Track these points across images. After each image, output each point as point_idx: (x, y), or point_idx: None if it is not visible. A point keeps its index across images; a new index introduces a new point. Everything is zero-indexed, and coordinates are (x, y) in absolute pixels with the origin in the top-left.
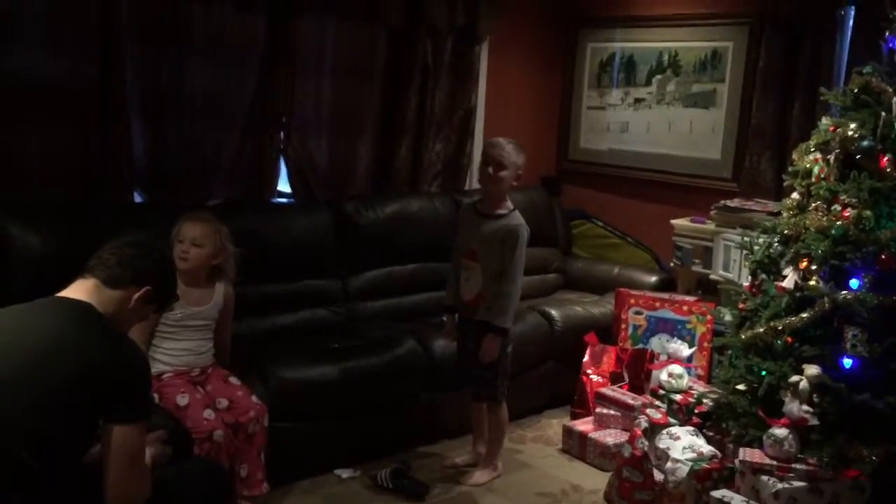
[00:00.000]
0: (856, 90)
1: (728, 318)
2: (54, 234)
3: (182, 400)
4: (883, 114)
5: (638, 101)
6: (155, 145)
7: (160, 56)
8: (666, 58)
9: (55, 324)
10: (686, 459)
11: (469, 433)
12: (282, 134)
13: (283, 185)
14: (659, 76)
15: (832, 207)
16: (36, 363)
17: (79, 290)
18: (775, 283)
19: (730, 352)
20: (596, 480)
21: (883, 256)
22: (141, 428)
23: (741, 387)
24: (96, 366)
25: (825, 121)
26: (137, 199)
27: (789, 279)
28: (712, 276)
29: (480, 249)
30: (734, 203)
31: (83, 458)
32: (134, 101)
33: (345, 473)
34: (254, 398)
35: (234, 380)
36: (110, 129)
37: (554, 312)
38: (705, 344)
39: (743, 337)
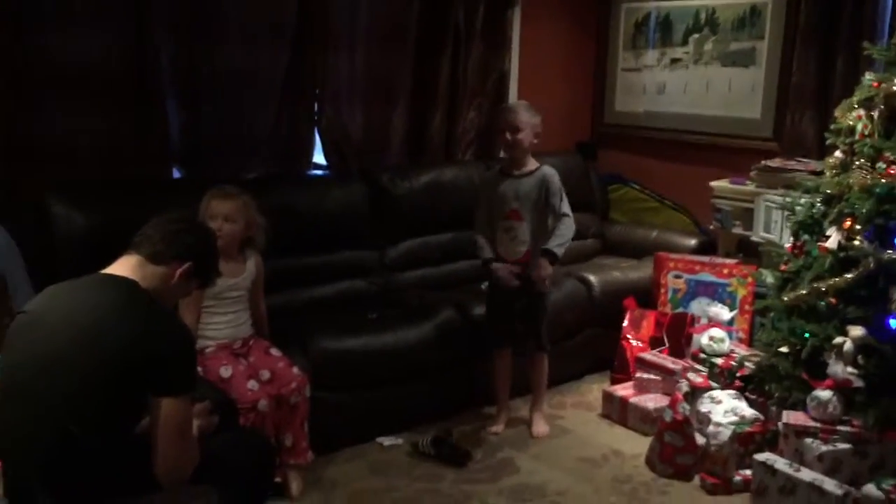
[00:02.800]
0: None
1: (770, 279)
2: (97, 211)
3: (226, 372)
4: None
5: (675, 61)
6: (191, 122)
7: (193, 33)
8: (703, 16)
9: (101, 300)
10: (728, 423)
11: (512, 397)
12: (315, 106)
13: (319, 157)
14: (696, 35)
15: (876, 165)
16: (84, 339)
17: (124, 267)
18: (818, 243)
19: (772, 314)
20: (637, 445)
21: None
22: (187, 400)
23: (784, 349)
24: (142, 341)
25: (868, 76)
26: (176, 174)
27: (833, 239)
28: (753, 238)
29: (523, 207)
30: (775, 163)
31: (133, 430)
32: (169, 78)
33: (387, 441)
34: (295, 369)
35: (275, 351)
36: (147, 106)
37: (592, 278)
38: (746, 307)
39: (785, 299)
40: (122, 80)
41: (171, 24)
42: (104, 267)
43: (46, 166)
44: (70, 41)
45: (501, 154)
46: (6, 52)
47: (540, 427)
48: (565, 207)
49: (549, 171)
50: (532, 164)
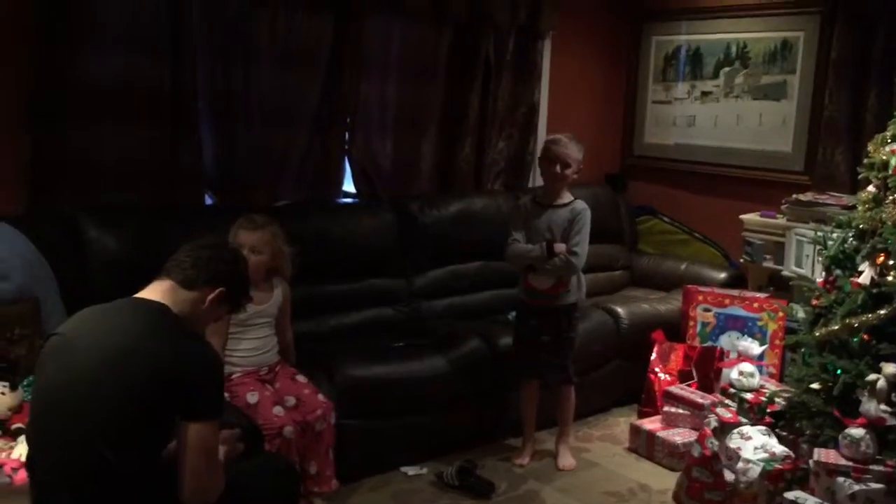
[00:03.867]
0: None
1: (801, 314)
2: (130, 236)
3: (252, 398)
4: None
5: (705, 94)
6: (224, 148)
7: (228, 60)
8: (734, 49)
9: (133, 324)
10: (758, 460)
11: (538, 429)
12: (346, 134)
13: (348, 185)
14: (727, 68)
15: None
16: (114, 362)
17: (155, 292)
18: (850, 278)
19: (803, 350)
20: (664, 480)
21: None
22: (215, 425)
23: (815, 385)
24: (171, 365)
25: None
26: (208, 201)
27: (865, 275)
28: (784, 273)
29: (557, 238)
30: (806, 197)
31: (160, 453)
32: (204, 104)
33: (411, 471)
34: (320, 396)
35: (301, 378)
36: (181, 132)
37: (620, 310)
38: (777, 342)
39: (817, 334)
40: (157, 103)
41: (208, 49)
42: (136, 291)
43: (79, 188)
44: (107, 62)
45: (538, 183)
46: (42, 72)
47: (566, 460)
48: (580, 246)
49: (581, 206)
50: (567, 196)
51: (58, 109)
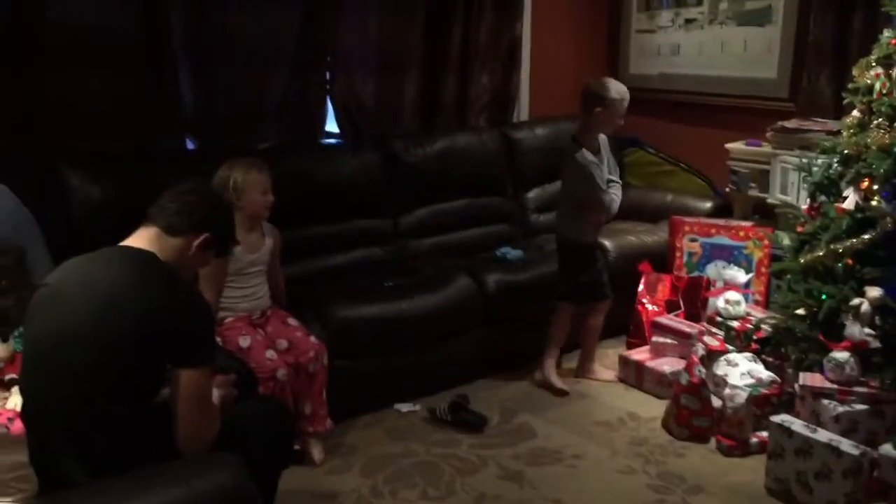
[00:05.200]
0: None
1: (786, 242)
2: (112, 183)
3: (244, 342)
4: None
5: (689, 21)
6: (203, 91)
7: (204, 1)
8: None
9: (121, 273)
10: (744, 385)
11: (524, 366)
12: (327, 74)
13: (331, 126)
14: None
15: (895, 124)
16: (104, 312)
17: (141, 239)
18: (835, 204)
19: (788, 276)
20: (653, 408)
21: None
22: (207, 371)
23: (800, 311)
24: (161, 313)
25: (887, 34)
26: (189, 145)
27: (850, 200)
28: (769, 200)
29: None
30: (791, 124)
31: (155, 399)
32: (181, 48)
33: (404, 407)
34: (312, 338)
35: (292, 321)
36: (159, 77)
37: (607, 242)
38: (763, 269)
39: (802, 261)
40: (133, 47)
41: None
42: (120, 238)
43: (58, 134)
44: (82, 7)
45: (522, 118)
46: (16, 18)
47: (604, 372)
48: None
49: (603, 137)
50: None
51: (31, 56)
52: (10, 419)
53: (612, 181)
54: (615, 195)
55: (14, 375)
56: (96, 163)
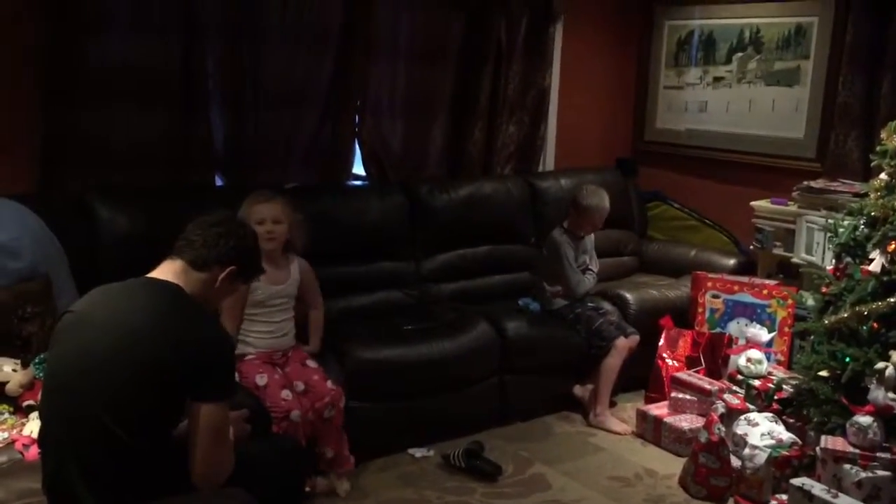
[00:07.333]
0: None
1: (811, 302)
2: (140, 215)
3: (261, 380)
4: None
5: (717, 79)
6: (234, 129)
7: (238, 40)
8: (747, 34)
9: (147, 304)
10: (765, 446)
11: (540, 416)
12: (356, 117)
13: (358, 168)
14: (740, 54)
15: None
16: (129, 342)
17: (167, 272)
18: (861, 266)
19: (812, 337)
20: (670, 465)
21: None
22: (225, 406)
23: (824, 373)
24: (184, 346)
25: None
26: (218, 182)
27: (876, 262)
28: (794, 260)
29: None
30: (818, 184)
31: (171, 432)
32: (214, 85)
33: (418, 453)
34: (329, 383)
35: (311, 363)
36: (192, 113)
37: (628, 296)
38: (786, 329)
39: (826, 322)
40: (168, 84)
41: (219, 31)
42: (146, 270)
43: (90, 168)
44: (118, 44)
45: (548, 168)
46: (54, 53)
47: (618, 425)
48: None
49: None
50: None
51: (70, 91)
52: (25, 445)
53: (589, 269)
54: (586, 279)
55: (33, 402)
56: (124, 194)
